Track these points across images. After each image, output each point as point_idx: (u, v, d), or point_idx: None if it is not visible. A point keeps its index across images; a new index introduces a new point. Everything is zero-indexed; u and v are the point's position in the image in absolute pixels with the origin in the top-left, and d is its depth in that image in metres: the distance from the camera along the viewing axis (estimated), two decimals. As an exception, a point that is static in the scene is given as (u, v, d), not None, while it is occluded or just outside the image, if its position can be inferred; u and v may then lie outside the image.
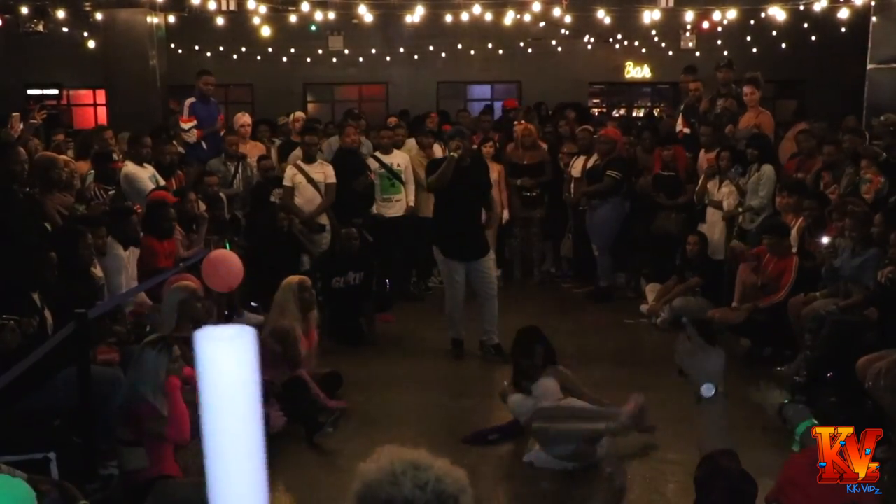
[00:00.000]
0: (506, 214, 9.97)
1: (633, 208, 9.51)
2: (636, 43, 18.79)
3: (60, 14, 13.87)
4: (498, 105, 14.53)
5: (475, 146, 9.17)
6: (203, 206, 8.29)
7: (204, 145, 9.71)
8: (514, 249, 10.33)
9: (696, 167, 9.47)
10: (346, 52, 19.20)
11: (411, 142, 10.14)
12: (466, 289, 7.53)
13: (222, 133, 9.82)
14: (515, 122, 11.09)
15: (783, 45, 17.51)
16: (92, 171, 7.91)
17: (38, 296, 5.09)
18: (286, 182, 8.90)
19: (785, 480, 2.10)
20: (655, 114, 11.70)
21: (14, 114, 7.68)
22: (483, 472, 5.22)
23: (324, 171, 8.92)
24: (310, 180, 8.86)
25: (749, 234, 8.43)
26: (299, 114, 11.04)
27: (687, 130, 10.03)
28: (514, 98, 16.57)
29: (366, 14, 13.67)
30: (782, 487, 2.11)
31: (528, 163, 9.91)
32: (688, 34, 18.23)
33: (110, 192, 7.54)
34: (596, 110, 18.65)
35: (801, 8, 14.20)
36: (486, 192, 7.63)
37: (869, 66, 12.71)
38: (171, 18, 14.52)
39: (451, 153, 7.16)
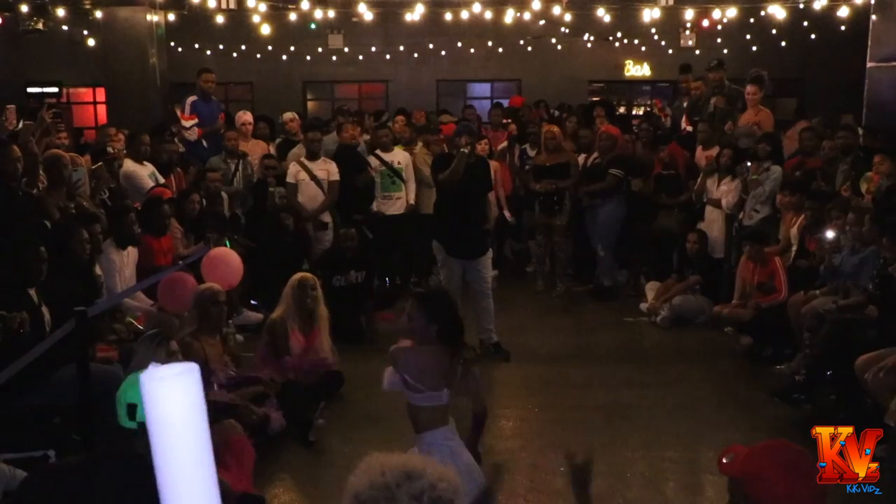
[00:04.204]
0: (500, 213, 9.91)
1: (632, 206, 9.50)
2: (636, 41, 18.80)
3: (60, 12, 13.87)
4: (506, 103, 14.49)
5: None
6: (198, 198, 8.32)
7: (204, 143, 9.72)
8: (540, 258, 9.77)
9: (693, 164, 9.50)
10: (346, 50, 19.21)
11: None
12: (464, 287, 7.53)
13: (222, 132, 9.82)
14: (508, 121, 11.07)
15: (783, 44, 17.53)
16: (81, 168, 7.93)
17: (35, 292, 5.09)
18: (289, 179, 8.91)
19: (753, 472, 2.09)
20: (655, 110, 11.70)
21: (9, 106, 7.65)
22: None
23: (327, 169, 8.93)
24: (313, 177, 8.87)
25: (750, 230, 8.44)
26: (290, 114, 10.90)
27: (690, 128, 10.04)
28: (516, 97, 16.54)
29: (366, 12, 13.68)
30: (746, 476, 2.10)
31: (549, 164, 9.44)
32: (688, 32, 18.23)
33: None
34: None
35: (801, 6, 14.21)
36: (487, 191, 7.61)
37: (868, 64, 12.71)
38: (171, 16, 14.54)
39: (462, 149, 7.14)
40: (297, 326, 6.31)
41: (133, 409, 2.70)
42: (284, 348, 6.19)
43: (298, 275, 6.50)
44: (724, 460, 2.21)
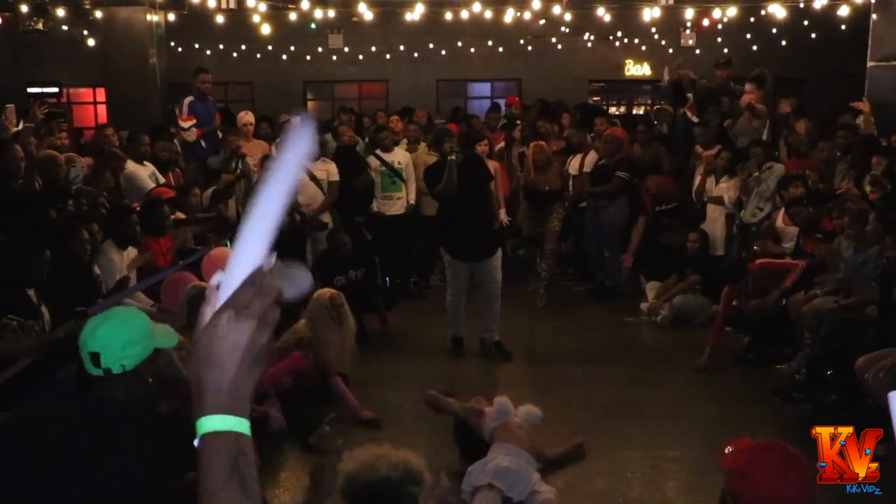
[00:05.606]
0: (503, 214, 9.85)
1: (635, 207, 9.48)
2: (636, 40, 18.78)
3: (60, 12, 13.86)
4: (502, 102, 14.45)
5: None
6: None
7: (203, 143, 9.71)
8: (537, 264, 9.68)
9: (686, 171, 9.56)
10: (346, 49, 19.20)
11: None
12: (469, 287, 7.51)
13: (220, 132, 9.81)
14: (518, 123, 11.03)
15: (783, 43, 17.50)
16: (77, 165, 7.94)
17: (34, 293, 5.09)
18: (289, 179, 8.88)
19: (740, 469, 2.10)
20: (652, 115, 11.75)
21: (8, 106, 7.64)
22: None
23: (326, 169, 8.91)
24: (312, 178, 8.85)
25: (751, 228, 8.45)
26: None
27: (694, 118, 9.98)
28: (515, 95, 16.54)
29: (366, 12, 13.69)
30: (734, 472, 2.12)
31: (549, 189, 9.13)
32: (688, 31, 18.22)
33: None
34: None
35: (801, 5, 14.21)
36: (487, 183, 7.56)
37: (869, 64, 12.70)
38: (171, 16, 14.54)
39: (450, 157, 7.08)
40: (332, 340, 6.26)
41: (97, 357, 2.66)
42: (327, 365, 6.10)
43: (328, 292, 6.42)
44: (726, 451, 2.22)
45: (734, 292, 7.39)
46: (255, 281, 1.15)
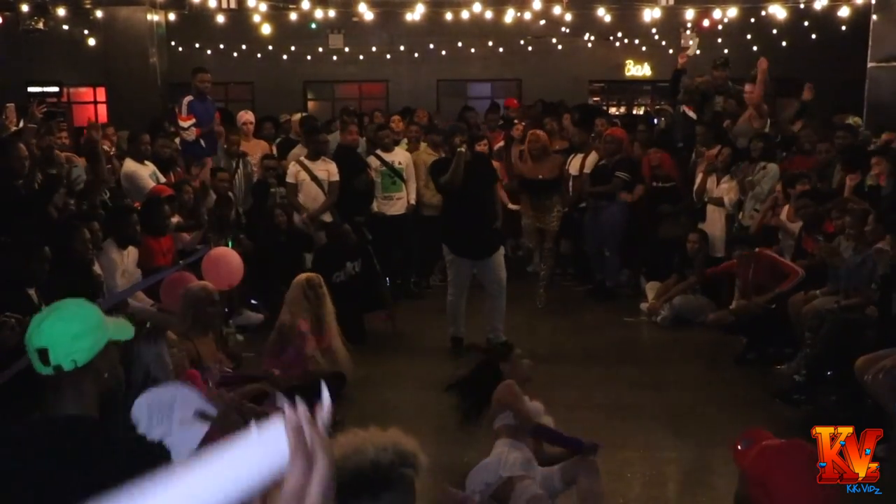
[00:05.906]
0: (510, 206, 9.80)
1: (634, 208, 9.48)
2: (636, 41, 18.78)
3: (61, 12, 13.88)
4: (501, 103, 14.47)
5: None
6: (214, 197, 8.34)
7: (202, 143, 9.70)
8: (536, 262, 9.72)
9: (688, 168, 9.52)
10: (347, 49, 19.20)
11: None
12: (472, 286, 7.52)
13: (219, 132, 9.81)
14: (516, 122, 11.03)
15: (783, 44, 17.49)
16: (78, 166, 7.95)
17: (35, 292, 5.09)
18: (289, 179, 8.89)
19: (758, 474, 2.07)
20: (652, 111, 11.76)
21: (8, 105, 7.64)
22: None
23: (327, 169, 8.91)
24: (313, 178, 8.85)
25: (749, 230, 8.44)
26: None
27: (692, 115, 9.96)
28: (514, 97, 16.55)
29: (366, 12, 13.70)
30: (750, 476, 2.09)
31: (543, 178, 9.01)
32: (688, 32, 18.24)
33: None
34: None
35: (802, 6, 14.22)
36: (492, 184, 7.59)
37: (869, 65, 12.71)
38: (172, 16, 14.57)
39: (459, 149, 7.14)
40: (310, 329, 6.27)
41: (45, 354, 2.41)
42: (300, 352, 6.12)
43: (305, 275, 6.47)
44: (739, 446, 2.19)
45: (738, 268, 7.45)
46: (303, 453, 0.99)
